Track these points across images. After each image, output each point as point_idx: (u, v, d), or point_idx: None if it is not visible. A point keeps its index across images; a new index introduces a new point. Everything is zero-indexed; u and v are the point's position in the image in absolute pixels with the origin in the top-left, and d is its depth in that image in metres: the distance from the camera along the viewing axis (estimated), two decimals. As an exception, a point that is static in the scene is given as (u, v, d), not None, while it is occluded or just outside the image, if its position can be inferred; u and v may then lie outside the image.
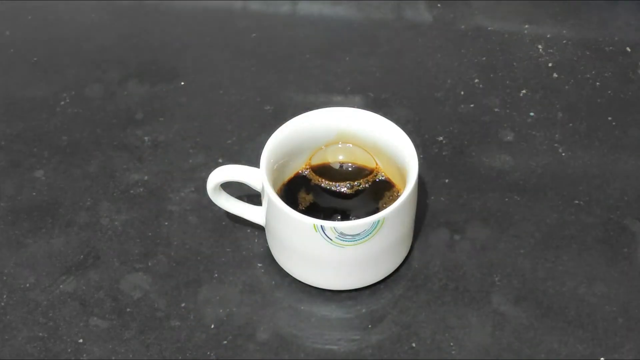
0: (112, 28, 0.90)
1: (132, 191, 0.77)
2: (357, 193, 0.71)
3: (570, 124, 0.81)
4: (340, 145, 0.73)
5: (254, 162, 0.70)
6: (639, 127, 0.81)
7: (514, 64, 0.86)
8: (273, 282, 0.71)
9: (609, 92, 0.83)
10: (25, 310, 0.70)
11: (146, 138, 0.81)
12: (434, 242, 0.73)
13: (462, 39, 0.88)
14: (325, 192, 0.71)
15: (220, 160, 0.79)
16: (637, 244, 0.73)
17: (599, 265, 0.72)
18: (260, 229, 0.74)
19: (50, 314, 0.70)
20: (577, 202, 0.75)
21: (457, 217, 0.75)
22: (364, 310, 0.70)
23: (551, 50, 0.87)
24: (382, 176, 0.72)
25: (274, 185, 0.69)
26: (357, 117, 0.72)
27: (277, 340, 0.68)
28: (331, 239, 0.66)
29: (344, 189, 0.71)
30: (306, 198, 0.71)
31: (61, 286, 0.72)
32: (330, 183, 0.72)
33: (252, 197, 0.75)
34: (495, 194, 0.76)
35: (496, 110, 0.82)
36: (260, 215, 0.72)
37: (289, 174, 0.73)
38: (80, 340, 0.69)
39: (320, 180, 0.71)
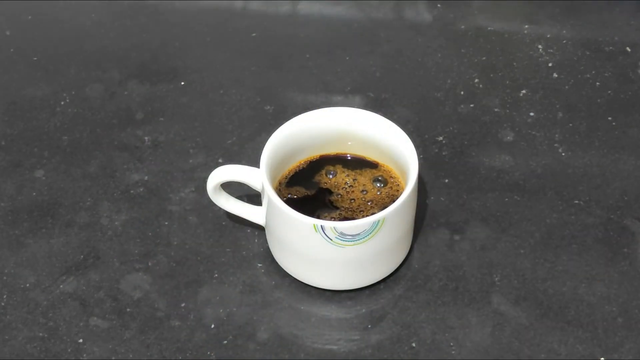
0: (112, 28, 0.90)
1: (132, 191, 0.77)
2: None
3: (570, 124, 0.81)
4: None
5: (254, 162, 0.70)
6: (639, 127, 0.81)
7: (514, 64, 0.86)
8: (273, 282, 0.71)
9: (609, 92, 0.83)
10: (25, 310, 0.70)
11: (146, 138, 0.81)
12: (434, 242, 0.73)
13: (462, 39, 0.88)
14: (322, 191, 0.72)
15: (220, 160, 0.79)
16: (637, 244, 0.73)
17: (598, 265, 0.72)
18: (260, 229, 0.74)
19: (50, 314, 0.70)
20: (577, 202, 0.75)
21: (457, 217, 0.75)
22: (363, 310, 0.70)
23: (551, 50, 0.87)
24: (380, 178, 0.72)
25: (272, 184, 0.69)
26: (357, 117, 0.72)
27: (277, 340, 0.68)
28: (331, 239, 0.66)
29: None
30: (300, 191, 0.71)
31: (61, 286, 0.72)
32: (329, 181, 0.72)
33: (252, 197, 0.75)
34: (495, 194, 0.76)
35: (496, 110, 0.82)
36: (260, 215, 0.72)
37: (288, 174, 0.73)
38: (80, 340, 0.69)
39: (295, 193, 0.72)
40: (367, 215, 0.67)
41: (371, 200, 0.70)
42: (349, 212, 0.70)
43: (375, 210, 0.70)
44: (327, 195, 0.71)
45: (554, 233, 0.74)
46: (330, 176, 0.72)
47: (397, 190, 0.71)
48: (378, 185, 0.71)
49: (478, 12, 0.90)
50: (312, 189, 0.72)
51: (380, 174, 0.72)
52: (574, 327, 0.69)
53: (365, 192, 0.71)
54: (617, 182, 0.77)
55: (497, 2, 0.91)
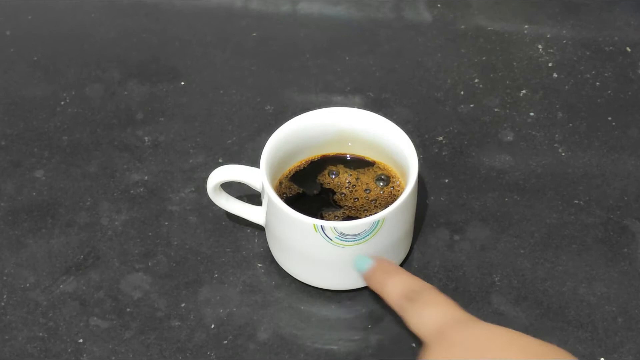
0: (112, 28, 0.90)
1: (132, 191, 0.77)
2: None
3: (570, 124, 0.81)
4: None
5: (254, 162, 0.70)
6: (639, 127, 0.81)
7: (514, 64, 0.86)
8: (273, 282, 0.72)
9: (609, 92, 0.83)
10: (25, 310, 0.70)
11: (146, 138, 0.81)
12: (434, 242, 0.73)
13: (462, 39, 0.88)
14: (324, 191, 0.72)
15: (220, 160, 0.79)
16: (637, 244, 0.73)
17: (598, 265, 0.72)
18: (260, 229, 0.74)
19: (50, 314, 0.70)
20: (577, 202, 0.75)
21: (457, 217, 0.75)
22: (364, 310, 0.70)
23: (551, 50, 0.87)
24: (383, 176, 0.72)
25: (272, 184, 0.69)
26: (357, 117, 0.72)
27: (277, 340, 0.68)
28: (331, 239, 0.66)
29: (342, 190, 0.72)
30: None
31: (61, 286, 0.72)
32: (330, 181, 0.72)
33: (252, 197, 0.75)
34: (495, 194, 0.76)
35: (496, 110, 0.82)
36: (260, 215, 0.72)
37: (288, 174, 0.73)
38: (80, 340, 0.69)
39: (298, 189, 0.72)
40: (370, 214, 0.67)
41: (374, 199, 0.71)
42: (353, 211, 0.70)
43: (379, 209, 0.70)
44: (331, 194, 0.71)
45: (554, 233, 0.74)
46: (333, 176, 0.72)
47: (399, 190, 0.71)
48: (381, 184, 0.72)
49: (478, 12, 0.90)
50: (314, 188, 0.72)
51: (383, 172, 0.72)
52: (573, 327, 0.69)
53: (368, 191, 0.71)
54: (617, 182, 0.77)
55: (497, 2, 0.91)
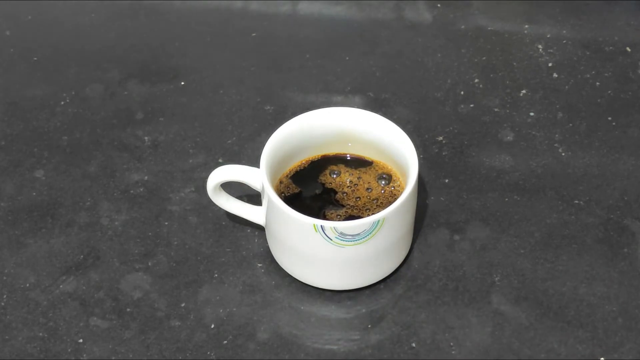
0: (112, 28, 0.90)
1: (132, 191, 0.77)
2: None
3: (570, 124, 0.81)
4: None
5: (254, 162, 0.70)
6: (639, 127, 0.81)
7: (514, 64, 0.86)
8: (273, 282, 0.72)
9: (609, 92, 0.83)
10: (25, 310, 0.70)
11: (146, 138, 0.81)
12: (434, 242, 0.73)
13: (462, 39, 0.88)
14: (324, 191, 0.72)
15: (220, 160, 0.79)
16: (637, 244, 0.73)
17: (598, 265, 0.72)
18: (260, 229, 0.74)
19: (50, 314, 0.70)
20: (577, 202, 0.76)
21: (457, 217, 0.75)
22: (364, 310, 0.70)
23: (551, 50, 0.87)
24: (385, 175, 0.72)
25: (272, 184, 0.69)
26: (357, 117, 0.72)
27: (277, 340, 0.68)
28: (331, 239, 0.66)
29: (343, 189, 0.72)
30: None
31: (61, 286, 0.72)
32: (331, 180, 0.72)
33: (252, 197, 0.75)
34: (495, 194, 0.76)
35: (496, 110, 0.82)
36: (260, 215, 0.72)
37: (288, 174, 0.73)
38: (80, 340, 0.69)
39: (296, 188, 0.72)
40: (372, 214, 0.67)
41: (376, 199, 0.71)
42: (355, 210, 0.70)
43: (381, 209, 0.70)
44: (332, 194, 0.71)
45: (554, 233, 0.74)
46: (334, 176, 0.72)
47: (399, 190, 0.71)
48: (382, 183, 0.72)
49: (478, 12, 0.90)
50: (316, 188, 0.72)
51: (384, 172, 0.72)
52: (574, 327, 0.69)
53: (370, 190, 0.71)
54: (617, 182, 0.77)
55: (497, 2, 0.91)
